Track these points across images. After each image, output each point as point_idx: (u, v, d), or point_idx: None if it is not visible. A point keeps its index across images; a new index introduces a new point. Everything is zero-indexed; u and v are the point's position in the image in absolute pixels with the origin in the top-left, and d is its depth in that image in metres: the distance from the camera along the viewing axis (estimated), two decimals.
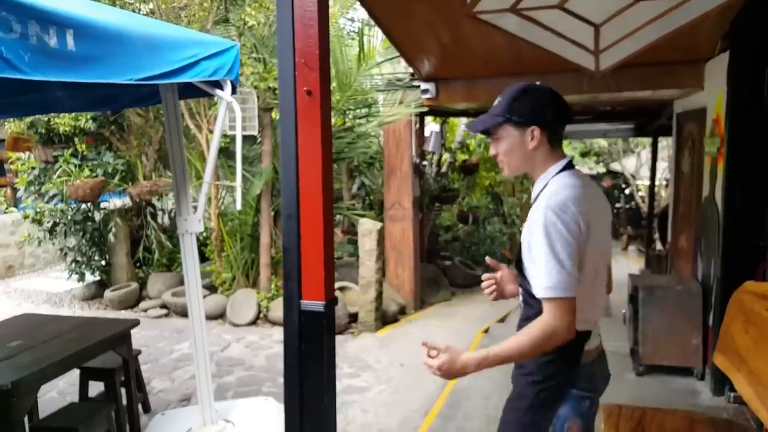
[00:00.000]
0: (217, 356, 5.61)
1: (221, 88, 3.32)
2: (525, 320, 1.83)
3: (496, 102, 1.85)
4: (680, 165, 6.31)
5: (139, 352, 4.00)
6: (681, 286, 4.90)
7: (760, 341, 2.42)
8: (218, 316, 6.77)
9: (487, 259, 2.15)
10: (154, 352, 5.57)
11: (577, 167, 1.88)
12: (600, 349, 1.95)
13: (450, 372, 1.76)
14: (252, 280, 6.89)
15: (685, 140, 6.09)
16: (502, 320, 7.38)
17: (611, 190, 17.29)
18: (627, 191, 17.99)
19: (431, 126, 9.71)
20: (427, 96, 6.03)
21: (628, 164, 17.70)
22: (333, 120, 6.04)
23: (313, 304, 2.07)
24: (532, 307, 1.80)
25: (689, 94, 5.91)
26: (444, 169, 10.43)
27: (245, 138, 6.55)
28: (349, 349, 5.76)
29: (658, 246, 9.84)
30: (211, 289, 7.14)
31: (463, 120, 10.91)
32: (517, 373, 1.92)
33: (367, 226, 6.11)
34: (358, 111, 6.45)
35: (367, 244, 6.11)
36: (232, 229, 6.81)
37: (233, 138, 6.57)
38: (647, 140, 15.03)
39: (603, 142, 18.68)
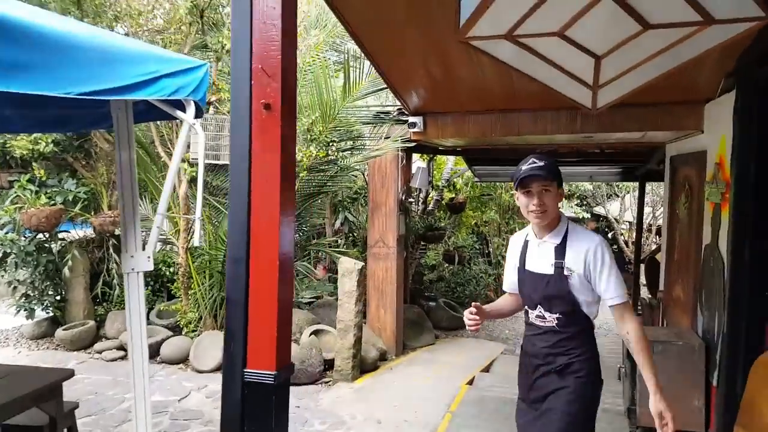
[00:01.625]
0: (173, 408, 5.10)
1: (184, 109, 2.97)
2: (558, 343, 2.51)
3: (540, 162, 2.47)
4: (675, 210, 6.02)
5: (76, 405, 3.50)
6: (682, 341, 4.52)
7: None
8: (181, 360, 6.25)
9: (475, 304, 2.57)
10: (102, 401, 5.04)
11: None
12: None
13: (672, 413, 2.37)
14: (220, 321, 6.41)
15: (680, 185, 5.81)
16: (486, 369, 6.93)
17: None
18: (610, 235, 17.82)
19: (418, 163, 9.41)
20: (415, 130, 5.72)
21: (611, 208, 17.54)
22: (314, 152, 5.69)
23: (260, 374, 1.66)
24: (565, 331, 2.49)
25: (684, 137, 5.66)
26: (430, 207, 10.11)
27: (220, 167, 6.16)
28: (322, 401, 5.27)
29: (643, 292, 9.53)
30: (175, 329, 6.64)
31: (451, 158, 10.64)
32: (565, 372, 2.50)
33: (348, 265, 5.70)
34: (342, 143, 6.10)
35: (347, 284, 5.69)
36: (201, 265, 6.35)
37: (212, 167, 6.18)
38: (632, 185, 14.89)
39: (588, 185, 18.59)
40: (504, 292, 2.92)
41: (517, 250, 2.72)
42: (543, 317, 2.55)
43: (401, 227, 7.14)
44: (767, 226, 3.87)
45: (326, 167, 6.11)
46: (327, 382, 5.75)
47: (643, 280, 9.50)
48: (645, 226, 14.76)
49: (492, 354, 7.86)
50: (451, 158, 10.69)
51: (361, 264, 5.72)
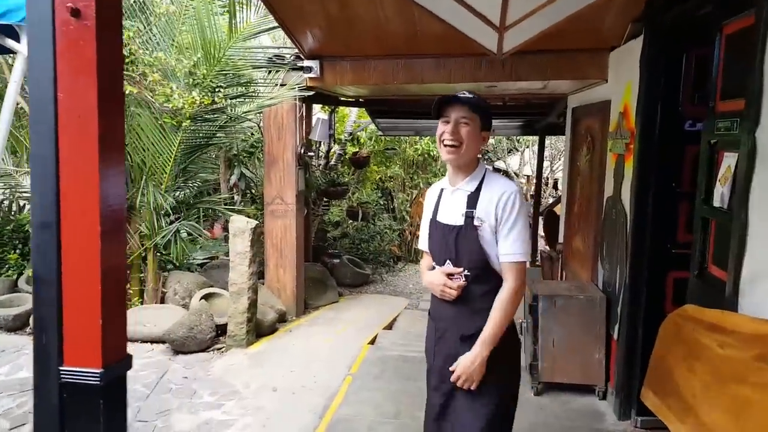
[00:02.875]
0: None
1: (17, 38, 2.42)
2: (484, 294, 2.26)
3: (467, 93, 2.29)
4: (576, 162, 5.99)
5: None
6: (584, 295, 4.49)
7: (713, 386, 1.89)
8: None
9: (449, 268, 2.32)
10: None
11: None
12: None
13: (473, 372, 2.21)
14: None
15: (582, 136, 5.76)
16: (389, 326, 6.77)
17: None
18: None
19: (319, 115, 8.93)
20: (311, 75, 5.24)
21: (511, 162, 17.93)
22: (198, 98, 5.08)
23: (82, 372, 1.24)
24: (488, 282, 2.26)
25: (588, 87, 5.59)
26: (333, 161, 9.69)
27: None
28: (213, 370, 4.86)
29: (541, 245, 9.73)
30: None
31: (354, 110, 10.22)
32: (473, 340, 2.23)
33: (239, 225, 5.22)
34: (230, 90, 5.51)
35: (239, 245, 5.22)
36: None
37: None
38: (532, 139, 15.20)
39: (490, 140, 18.82)
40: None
41: (432, 201, 2.49)
42: (450, 275, 2.32)
43: (300, 183, 6.70)
44: (670, 177, 3.83)
45: (214, 116, 5.51)
46: (220, 348, 5.32)
47: (541, 232, 9.67)
48: (543, 180, 15.18)
49: (395, 310, 7.72)
50: (354, 111, 10.27)
51: (254, 223, 5.26)
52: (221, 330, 5.44)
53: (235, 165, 8.21)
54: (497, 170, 18.99)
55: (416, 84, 5.19)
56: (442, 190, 2.44)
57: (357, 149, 10.29)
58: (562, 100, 7.12)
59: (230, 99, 5.38)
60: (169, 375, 4.75)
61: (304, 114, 8.49)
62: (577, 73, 5.00)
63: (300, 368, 4.90)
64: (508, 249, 2.19)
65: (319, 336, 5.84)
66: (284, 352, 5.28)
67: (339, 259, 9.48)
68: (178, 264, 6.68)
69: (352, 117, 10.23)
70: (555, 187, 16.18)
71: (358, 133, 10.86)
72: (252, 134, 8.16)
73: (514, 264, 2.20)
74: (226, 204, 8.06)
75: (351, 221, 10.54)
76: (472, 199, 2.25)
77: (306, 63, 5.17)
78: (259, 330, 5.60)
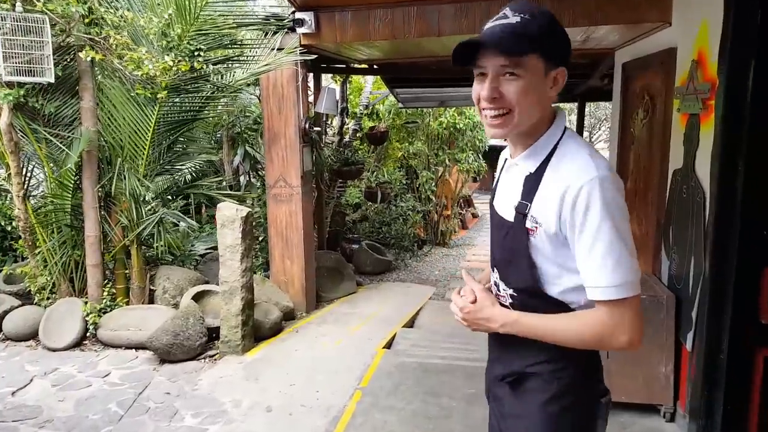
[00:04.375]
0: (3, 403, 3.85)
1: None
2: (513, 337, 1.42)
3: (511, 17, 1.32)
4: (629, 128, 5.05)
5: None
6: (645, 294, 3.60)
7: None
8: (31, 336, 4.92)
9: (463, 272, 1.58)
10: None
11: None
12: None
13: (474, 319, 1.47)
14: (79, 285, 5.08)
15: (636, 96, 4.81)
16: (411, 323, 5.96)
17: None
18: None
19: (329, 85, 8.09)
20: (305, 30, 4.40)
21: None
22: (173, 63, 4.27)
23: None
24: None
25: (642, 36, 4.63)
26: (347, 138, 8.85)
27: (50, 87, 4.64)
28: (201, 383, 4.13)
29: None
30: (26, 297, 5.26)
31: (369, 79, 9.33)
32: (519, 388, 1.49)
33: (227, 213, 4.44)
34: (212, 54, 4.69)
35: (228, 236, 4.46)
36: (47, 217, 4.94)
37: (39, 88, 4.67)
38: (569, 106, 14.09)
39: None
40: None
41: (498, 172, 1.66)
42: (497, 287, 1.56)
43: (306, 162, 5.90)
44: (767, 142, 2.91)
45: (195, 86, 4.71)
46: (213, 355, 4.60)
47: None
48: None
49: (419, 301, 6.92)
50: (370, 81, 9.39)
51: (245, 210, 4.47)
52: (216, 333, 4.71)
53: (239, 144, 7.45)
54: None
55: (432, 37, 4.29)
56: (505, 159, 1.61)
57: (374, 124, 9.41)
58: (607, 57, 6.14)
59: (213, 64, 4.56)
60: (150, 390, 4.05)
61: (312, 84, 7.68)
62: (632, 14, 4.06)
63: (302, 380, 4.14)
64: (592, 278, 1.30)
65: (328, 337, 5.07)
66: (285, 360, 4.52)
67: (358, 244, 8.71)
68: (177, 256, 5.98)
69: (368, 88, 9.34)
70: None
71: (377, 106, 9.97)
72: (255, 108, 7.37)
73: (607, 304, 1.29)
74: (230, 187, 7.38)
75: (370, 203, 9.72)
76: (529, 186, 1.39)
77: (298, 15, 4.32)
78: (258, 332, 4.86)
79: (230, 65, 4.90)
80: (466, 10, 4.18)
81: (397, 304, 6.67)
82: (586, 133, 12.95)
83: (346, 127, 8.77)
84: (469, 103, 10.05)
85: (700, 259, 3.23)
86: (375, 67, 7.46)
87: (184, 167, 5.39)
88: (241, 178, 7.91)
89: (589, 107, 11.65)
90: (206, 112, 5.21)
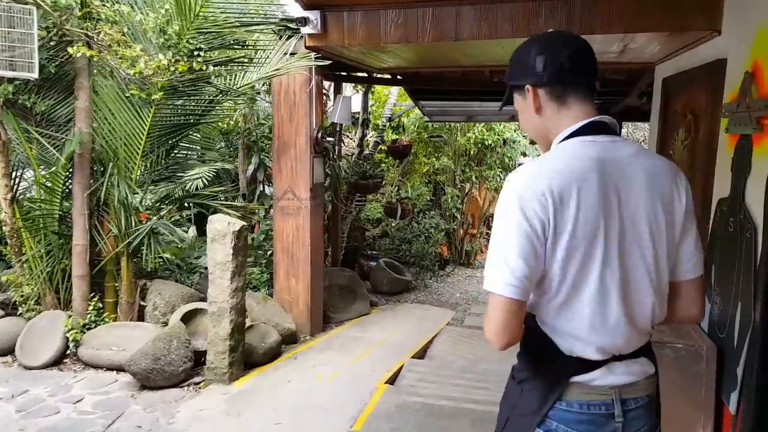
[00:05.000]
0: None
1: None
2: None
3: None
4: (667, 150, 4.53)
5: None
6: (683, 343, 3.09)
7: None
8: (9, 350, 4.61)
9: None
10: None
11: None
12: (634, 402, 1.41)
13: None
14: (66, 297, 4.78)
15: (678, 115, 4.30)
16: (423, 353, 5.49)
17: None
18: None
19: (350, 95, 7.75)
20: (310, 31, 4.04)
21: None
22: (168, 62, 3.94)
23: None
24: None
25: (687, 48, 4.14)
26: (368, 150, 8.47)
27: (41, 84, 4.36)
28: (179, 416, 3.74)
29: None
30: (13, 307, 4.98)
31: (394, 90, 8.95)
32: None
33: (218, 226, 4.08)
34: (212, 54, 4.36)
35: (218, 252, 4.09)
36: (34, 223, 4.67)
37: (32, 85, 4.39)
38: None
39: None
40: None
41: None
42: None
43: (317, 174, 5.53)
44: None
45: (193, 89, 4.38)
46: (198, 383, 4.22)
47: None
48: None
49: (435, 325, 6.46)
50: (395, 91, 9.01)
51: (238, 224, 4.10)
52: (205, 357, 4.33)
53: (254, 153, 7.14)
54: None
55: (450, 42, 3.88)
56: None
57: (396, 137, 9.02)
58: (646, 72, 5.63)
59: (214, 66, 4.22)
60: (121, 422, 3.68)
61: (331, 92, 7.32)
62: (678, 21, 3.57)
63: (288, 421, 3.71)
64: None
65: (327, 367, 4.64)
66: (275, 393, 4.10)
67: (376, 262, 8.29)
68: (181, 268, 5.66)
69: (392, 99, 8.96)
70: None
71: (401, 119, 9.59)
72: (270, 116, 7.06)
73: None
74: (243, 197, 7.05)
75: (391, 219, 9.30)
76: None
77: (303, 13, 3.96)
78: (251, 358, 4.47)
79: (233, 67, 4.56)
80: (487, 13, 3.76)
81: (411, 329, 6.21)
82: None
83: (367, 138, 8.40)
84: (497, 119, 9.60)
85: (749, 305, 2.72)
86: (399, 78, 7.08)
87: (186, 175, 5.07)
88: (259, 189, 7.60)
89: (627, 128, 11.05)
90: (210, 116, 4.88)
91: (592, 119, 1.38)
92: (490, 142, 10.22)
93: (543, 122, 1.43)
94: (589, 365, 1.37)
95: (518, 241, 1.27)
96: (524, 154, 10.75)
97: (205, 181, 5.23)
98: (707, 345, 3.03)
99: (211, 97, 4.58)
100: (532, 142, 10.27)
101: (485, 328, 1.33)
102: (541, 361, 1.42)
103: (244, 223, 4.18)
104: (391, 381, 4.50)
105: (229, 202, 5.24)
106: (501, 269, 1.29)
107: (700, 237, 3.44)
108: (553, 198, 1.26)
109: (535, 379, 1.42)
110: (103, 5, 4.00)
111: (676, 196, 1.38)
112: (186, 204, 5.35)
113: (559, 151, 1.38)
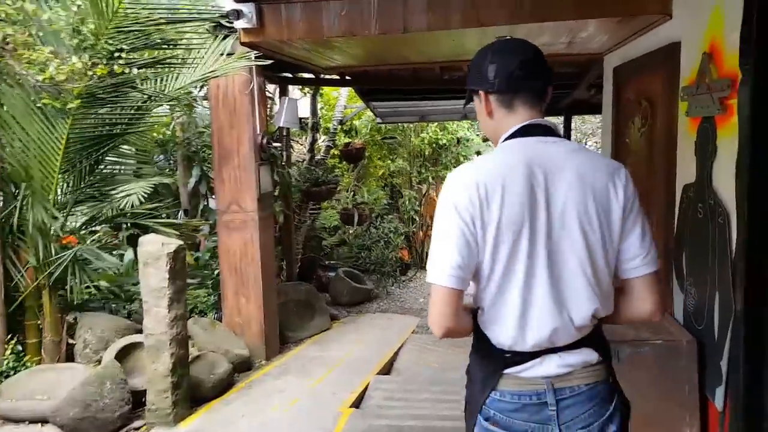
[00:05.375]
0: None
1: None
2: None
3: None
4: (622, 139, 4.37)
5: None
6: (660, 338, 2.89)
7: None
8: None
9: None
10: None
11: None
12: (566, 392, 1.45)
13: None
14: None
15: (632, 103, 4.13)
16: (389, 367, 5.18)
17: None
18: None
19: (297, 97, 7.41)
20: (244, 25, 3.70)
21: None
22: (82, 65, 3.52)
23: None
24: None
25: (634, 36, 4.00)
26: (320, 155, 8.15)
27: None
28: None
29: None
30: None
31: (343, 91, 8.63)
32: None
33: (151, 248, 3.68)
34: (136, 55, 3.96)
35: (152, 277, 3.70)
36: None
37: None
38: (554, 120, 13.55)
39: None
40: None
41: None
42: None
43: (264, 183, 5.17)
44: None
45: (117, 94, 3.96)
46: (138, 428, 3.80)
47: None
48: None
49: (400, 336, 6.17)
50: (344, 93, 8.71)
51: (174, 244, 3.72)
52: (141, 399, 3.90)
53: (195, 164, 6.72)
54: None
55: (397, 35, 3.60)
56: None
57: (349, 140, 8.72)
58: (594, 64, 5.50)
59: (138, 68, 3.83)
60: None
61: (276, 95, 6.95)
62: (628, 6, 3.39)
63: None
64: None
65: (285, 394, 4.28)
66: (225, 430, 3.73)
67: (335, 272, 7.96)
68: (117, 296, 5.20)
69: (342, 101, 8.65)
70: None
71: (353, 121, 9.30)
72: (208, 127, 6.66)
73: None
74: (185, 212, 6.63)
75: (347, 226, 8.99)
76: None
77: (237, 6, 3.61)
78: (198, 393, 4.08)
79: (162, 70, 4.18)
80: (435, 3, 3.51)
81: (375, 341, 5.92)
82: None
83: (318, 143, 8.07)
84: (450, 118, 9.42)
85: (728, 293, 2.53)
86: (347, 78, 6.79)
87: (117, 192, 4.64)
88: (202, 203, 7.17)
89: (575, 121, 11.03)
90: (139, 125, 4.48)
91: (529, 121, 1.46)
92: (444, 141, 10.05)
93: (494, 125, 1.53)
94: (522, 357, 1.43)
95: (452, 234, 1.37)
96: (478, 153, 10.62)
97: (142, 198, 4.83)
98: (686, 339, 2.84)
99: (138, 104, 4.18)
100: (485, 140, 10.16)
101: (428, 319, 1.45)
102: (481, 355, 1.52)
103: (181, 243, 3.80)
104: (357, 403, 4.18)
105: (168, 220, 4.85)
106: (438, 261, 1.40)
107: (668, 225, 3.27)
108: (479, 193, 1.35)
109: (476, 372, 1.54)
110: (3, 2, 3.56)
111: (612, 192, 1.40)
112: (123, 224, 4.90)
113: (496, 150, 1.49)
